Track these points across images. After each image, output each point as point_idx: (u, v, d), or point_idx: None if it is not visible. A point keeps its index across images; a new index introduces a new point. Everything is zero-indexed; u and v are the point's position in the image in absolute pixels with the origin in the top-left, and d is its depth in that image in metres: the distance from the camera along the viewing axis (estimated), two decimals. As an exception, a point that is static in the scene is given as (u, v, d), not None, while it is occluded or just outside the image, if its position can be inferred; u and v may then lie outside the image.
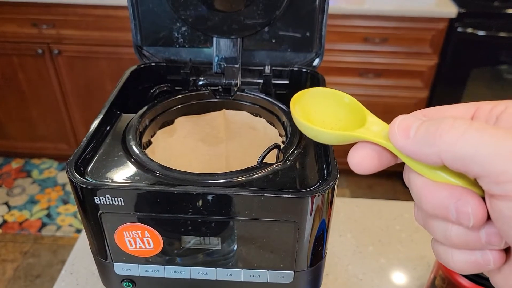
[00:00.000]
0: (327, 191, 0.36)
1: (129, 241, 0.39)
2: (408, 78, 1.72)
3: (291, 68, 0.54)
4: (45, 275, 1.62)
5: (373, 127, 0.24)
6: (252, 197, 0.35)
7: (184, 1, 0.50)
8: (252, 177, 0.37)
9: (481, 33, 1.57)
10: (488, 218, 0.20)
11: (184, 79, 0.53)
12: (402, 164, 0.24)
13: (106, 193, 0.35)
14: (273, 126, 0.49)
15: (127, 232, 0.38)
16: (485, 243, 0.20)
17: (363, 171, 0.24)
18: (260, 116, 0.51)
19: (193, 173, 0.37)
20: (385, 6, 1.57)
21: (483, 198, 0.20)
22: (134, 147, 0.41)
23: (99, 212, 0.37)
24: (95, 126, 0.43)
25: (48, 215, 1.85)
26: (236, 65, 0.53)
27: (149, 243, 0.39)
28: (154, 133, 0.48)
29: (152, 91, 0.53)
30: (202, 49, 0.54)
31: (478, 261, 0.21)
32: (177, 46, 0.54)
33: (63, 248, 1.72)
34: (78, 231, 1.78)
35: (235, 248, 0.39)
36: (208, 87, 0.51)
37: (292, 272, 0.40)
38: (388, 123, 0.24)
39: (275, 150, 0.41)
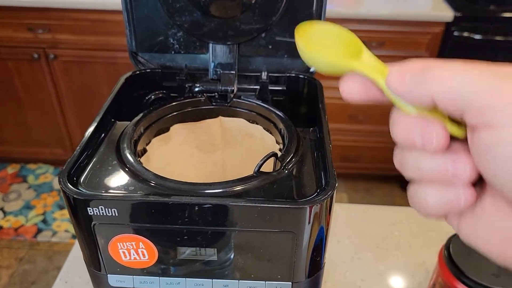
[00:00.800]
0: (325, 201, 0.35)
1: (123, 252, 0.38)
2: (405, 82, 1.73)
3: (288, 74, 0.53)
4: (40, 281, 1.60)
5: (367, 61, 0.26)
6: (249, 208, 0.35)
7: (179, 6, 0.50)
8: (249, 186, 0.37)
9: (477, 36, 1.57)
10: (454, 152, 0.22)
11: (179, 85, 0.52)
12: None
13: (100, 204, 0.35)
14: (270, 133, 0.48)
15: (121, 243, 0.37)
16: (452, 175, 0.22)
17: (351, 99, 0.25)
18: (256, 123, 0.50)
19: (189, 182, 0.37)
20: (382, 10, 1.57)
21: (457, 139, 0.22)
22: (128, 156, 0.40)
23: (93, 223, 0.36)
24: (89, 134, 0.42)
25: (44, 221, 1.83)
26: (232, 72, 0.52)
27: (143, 254, 0.38)
28: (149, 141, 0.47)
29: (147, 98, 0.53)
30: (198, 55, 0.54)
31: (451, 199, 0.22)
32: (173, 52, 0.54)
33: (59, 254, 1.70)
34: (74, 237, 1.76)
35: (232, 258, 0.38)
36: (204, 94, 0.51)
37: (290, 283, 0.40)
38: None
39: (272, 158, 0.40)
